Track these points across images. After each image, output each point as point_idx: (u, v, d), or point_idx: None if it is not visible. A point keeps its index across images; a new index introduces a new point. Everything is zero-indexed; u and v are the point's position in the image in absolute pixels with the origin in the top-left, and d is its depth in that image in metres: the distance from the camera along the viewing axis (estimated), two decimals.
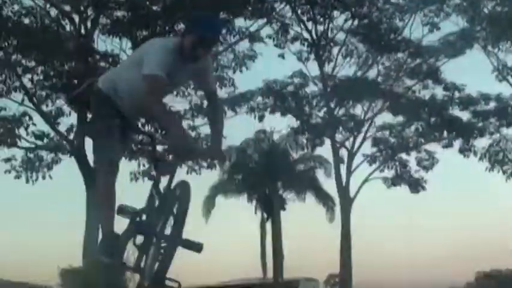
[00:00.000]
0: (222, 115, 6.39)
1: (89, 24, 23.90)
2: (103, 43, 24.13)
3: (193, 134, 25.04)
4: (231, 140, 31.84)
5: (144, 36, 23.10)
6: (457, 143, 31.12)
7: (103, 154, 5.35)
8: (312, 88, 30.90)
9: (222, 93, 25.98)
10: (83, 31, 23.66)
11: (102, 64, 23.70)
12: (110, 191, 5.32)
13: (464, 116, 31.04)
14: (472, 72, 48.52)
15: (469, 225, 56.94)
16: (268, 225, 37.24)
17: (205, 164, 26.63)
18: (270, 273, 36.79)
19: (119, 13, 23.74)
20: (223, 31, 6.72)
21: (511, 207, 51.03)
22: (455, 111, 31.05)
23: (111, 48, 23.99)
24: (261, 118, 29.82)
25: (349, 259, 30.39)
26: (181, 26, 23.23)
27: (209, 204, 35.49)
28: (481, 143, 31.08)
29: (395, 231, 54.71)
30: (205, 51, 5.51)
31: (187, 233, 5.40)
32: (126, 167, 24.33)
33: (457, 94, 30.77)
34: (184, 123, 25.88)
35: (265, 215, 37.40)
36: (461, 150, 30.98)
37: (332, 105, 30.54)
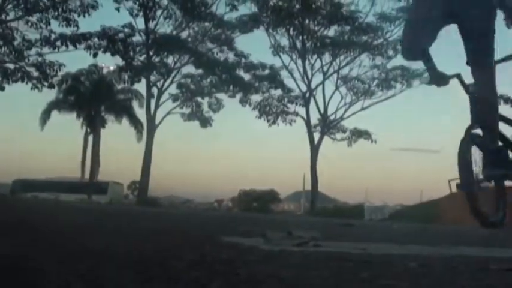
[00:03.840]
0: None
1: None
2: None
3: None
4: (69, 68, 32.63)
5: None
6: (239, 96, 33.50)
7: None
8: (137, 38, 31.50)
9: (67, 31, 26.51)
10: None
11: None
12: None
13: (246, 76, 33.41)
14: (255, 46, 52.40)
15: (239, 155, 61.95)
16: (90, 139, 37.81)
17: (45, 83, 27.52)
18: (87, 175, 37.56)
19: None
20: None
21: (269, 145, 56.97)
22: (241, 72, 33.28)
23: None
24: (95, 55, 29.70)
25: (148, 170, 31.54)
26: None
27: (45, 116, 35.91)
28: (255, 98, 33.65)
29: (186, 153, 57.69)
30: None
31: None
32: None
33: (243, 60, 33.05)
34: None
35: (88, 130, 37.95)
36: (241, 101, 33.49)
37: (151, 53, 31.38)
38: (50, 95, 34.96)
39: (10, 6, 24.38)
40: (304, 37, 32.90)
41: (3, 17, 24.78)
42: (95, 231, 3.80)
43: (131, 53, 31.62)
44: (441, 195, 28.28)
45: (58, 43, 26.82)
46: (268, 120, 33.41)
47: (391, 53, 33.25)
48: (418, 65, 32.92)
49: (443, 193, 28.09)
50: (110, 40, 29.77)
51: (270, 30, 32.88)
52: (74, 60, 37.88)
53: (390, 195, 72.13)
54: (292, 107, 33.83)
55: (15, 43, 25.62)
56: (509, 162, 4.34)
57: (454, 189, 4.71)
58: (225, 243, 3.19)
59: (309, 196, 34.93)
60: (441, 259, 3.07)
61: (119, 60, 31.66)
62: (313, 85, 33.62)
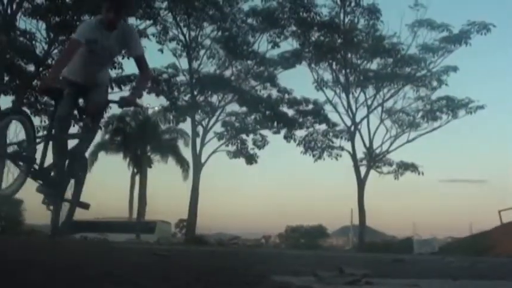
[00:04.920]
0: (145, 75, 5.79)
1: (14, 6, 23.26)
2: (23, 22, 24.06)
3: None
4: (114, 110, 33.23)
5: (56, 21, 23.70)
6: (283, 132, 33.19)
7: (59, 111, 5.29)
8: (181, 78, 31.99)
9: (112, 73, 27.16)
10: (9, 11, 23.07)
11: (21, 39, 23.92)
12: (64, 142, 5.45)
13: (290, 112, 33.29)
14: (298, 81, 52.49)
15: (285, 191, 61.60)
16: (137, 178, 38.38)
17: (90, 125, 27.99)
18: (134, 215, 37.86)
19: (39, 0, 23.71)
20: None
21: (316, 180, 56.74)
22: (284, 108, 33.22)
23: (29, 27, 24.15)
24: (139, 96, 29.13)
25: (196, 208, 31.27)
26: (86, 18, 24.99)
27: (93, 157, 36.02)
28: (300, 133, 33.34)
29: (232, 190, 57.81)
30: (115, 15, 5.22)
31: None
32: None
33: (286, 96, 33.03)
34: None
35: (135, 170, 38.54)
36: (285, 137, 33.19)
37: (195, 92, 31.60)
38: (96, 136, 35.63)
39: (56, 51, 25.07)
40: (347, 71, 32.96)
41: (49, 61, 25.51)
42: (148, 274, 3.85)
43: (175, 93, 32.03)
44: (491, 226, 27.68)
45: None
46: (313, 156, 33.19)
47: (435, 84, 33.04)
48: (464, 95, 32.96)
49: (493, 224, 27.52)
50: (154, 81, 29.85)
51: (313, 65, 33.04)
52: None
53: (439, 228, 70.67)
54: (337, 142, 33.63)
55: None
56: None
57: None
58: (276, 282, 3.19)
59: (357, 230, 34.50)
60: None
61: (163, 101, 31.86)
62: (357, 119, 33.55)
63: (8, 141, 4.93)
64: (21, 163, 4.99)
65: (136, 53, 5.52)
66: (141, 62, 5.58)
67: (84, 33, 5.25)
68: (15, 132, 4.99)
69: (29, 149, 5.04)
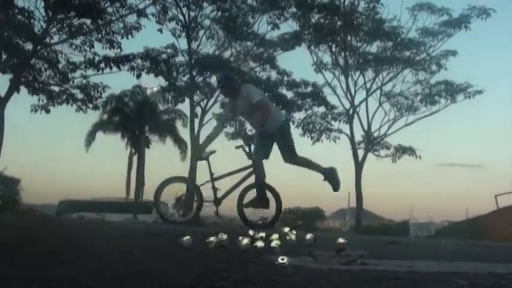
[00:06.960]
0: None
1: None
2: (22, 0, 24.29)
3: None
4: (113, 90, 33.11)
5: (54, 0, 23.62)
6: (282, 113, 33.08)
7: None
8: (180, 58, 31.39)
9: (111, 53, 26.72)
10: None
11: (19, 17, 23.88)
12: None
13: (289, 94, 32.96)
14: (298, 63, 52.13)
15: (282, 173, 61.85)
16: (135, 159, 38.45)
17: (90, 105, 27.99)
18: (132, 195, 37.91)
19: None
20: (227, 79, 9.56)
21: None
22: (283, 90, 32.85)
23: (27, 5, 24.05)
24: (138, 76, 29.29)
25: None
26: None
27: (90, 137, 36.69)
28: (298, 115, 33.19)
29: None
30: (224, 92, 9.45)
31: None
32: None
33: (285, 78, 32.56)
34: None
35: (133, 150, 38.58)
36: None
37: (194, 73, 31.03)
38: (94, 116, 35.64)
39: (54, 29, 25.02)
40: (347, 54, 32.85)
41: (47, 40, 25.44)
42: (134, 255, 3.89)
43: (174, 74, 31.59)
44: (487, 210, 27.87)
45: (102, 65, 26.99)
46: (312, 138, 33.07)
47: (434, 68, 33.01)
48: (462, 80, 32.94)
49: (489, 208, 27.69)
50: (153, 61, 29.54)
51: (312, 48, 32.85)
52: (117, 81, 38.81)
53: (436, 212, 70.99)
54: (335, 124, 33.45)
55: (60, 66, 26.11)
56: None
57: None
58: (272, 262, 3.23)
59: (354, 213, 34.61)
60: (491, 276, 3.05)
61: (162, 81, 31.41)
62: (356, 102, 33.40)
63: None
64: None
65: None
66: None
67: (225, 106, 9.34)
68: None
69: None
